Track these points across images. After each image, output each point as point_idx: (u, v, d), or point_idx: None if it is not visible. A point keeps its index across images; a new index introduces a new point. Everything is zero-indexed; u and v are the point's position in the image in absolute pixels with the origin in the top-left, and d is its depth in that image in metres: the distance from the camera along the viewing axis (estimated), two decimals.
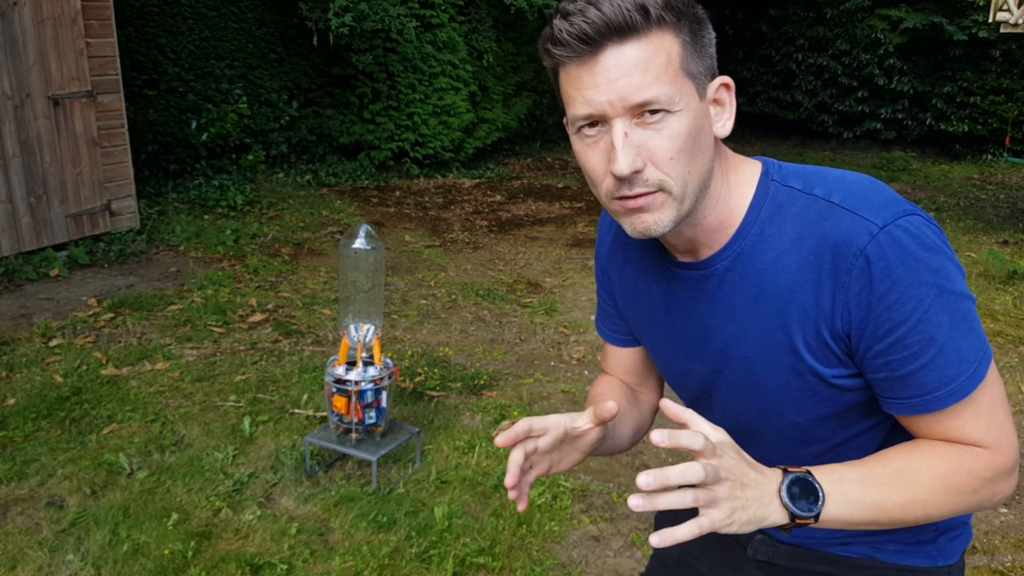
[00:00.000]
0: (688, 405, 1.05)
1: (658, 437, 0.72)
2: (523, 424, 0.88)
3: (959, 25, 10.34)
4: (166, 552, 2.42)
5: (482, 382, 3.71)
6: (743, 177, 0.92)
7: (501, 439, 0.87)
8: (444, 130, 8.58)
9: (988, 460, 0.86)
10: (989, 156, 11.10)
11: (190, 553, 2.42)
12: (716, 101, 0.88)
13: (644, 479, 0.70)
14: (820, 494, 0.81)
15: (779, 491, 0.80)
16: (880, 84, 11.34)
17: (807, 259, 0.87)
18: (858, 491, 0.83)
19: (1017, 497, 2.94)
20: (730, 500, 0.76)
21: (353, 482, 2.86)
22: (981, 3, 9.45)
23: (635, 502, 0.72)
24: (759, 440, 1.01)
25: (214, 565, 2.38)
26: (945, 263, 0.83)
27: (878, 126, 11.63)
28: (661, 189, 0.84)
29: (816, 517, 0.80)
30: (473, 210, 7.49)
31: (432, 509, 2.69)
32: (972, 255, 6.25)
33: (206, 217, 6.24)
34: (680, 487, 0.74)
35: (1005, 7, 6.96)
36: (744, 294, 0.92)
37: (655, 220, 0.85)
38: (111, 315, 4.30)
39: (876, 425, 0.95)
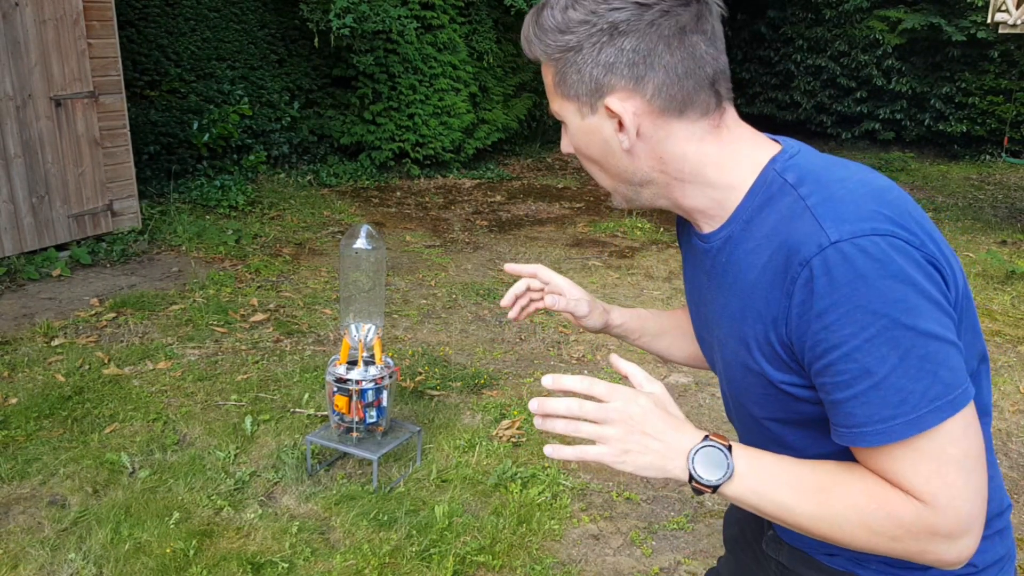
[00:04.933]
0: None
1: (546, 380, 0.87)
2: (531, 269, 1.22)
3: (957, 26, 10.36)
4: (168, 551, 2.43)
5: (482, 381, 3.73)
6: (748, 162, 0.91)
7: (510, 267, 1.21)
8: (444, 131, 8.60)
9: (917, 514, 0.80)
10: (987, 156, 11.12)
11: (192, 552, 2.43)
12: (616, 117, 0.89)
13: (532, 404, 0.87)
14: (727, 469, 0.84)
15: (690, 452, 0.85)
16: (879, 85, 11.36)
17: (771, 257, 0.85)
18: (770, 485, 0.85)
19: (1016, 496, 2.96)
20: (621, 441, 0.85)
21: (354, 481, 2.88)
22: (979, 4, 9.47)
23: (537, 421, 0.88)
24: (738, 423, 1.04)
25: (215, 564, 2.40)
26: (909, 295, 0.76)
27: (877, 127, 11.65)
28: None
29: (714, 489, 0.85)
30: (473, 210, 7.50)
31: (433, 508, 2.70)
32: (970, 255, 6.26)
33: (208, 217, 6.26)
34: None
35: (1003, 8, 6.98)
36: (727, 277, 0.94)
37: (614, 201, 1.00)
38: (113, 315, 4.32)
39: None
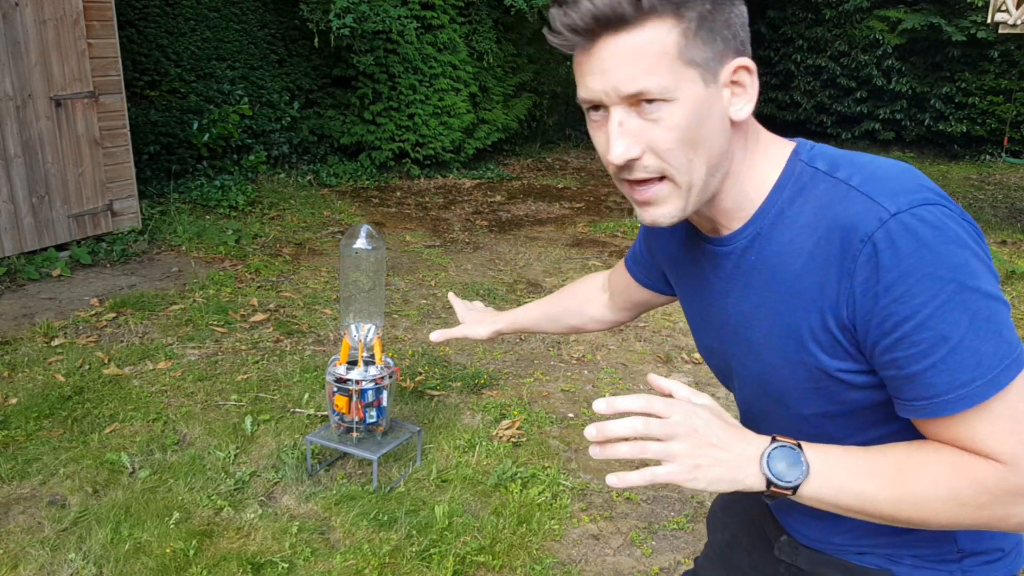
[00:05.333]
0: (719, 381, 1.08)
1: (598, 405, 0.80)
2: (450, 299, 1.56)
3: (957, 26, 10.37)
4: (168, 551, 2.43)
5: (482, 381, 3.73)
6: (772, 157, 0.90)
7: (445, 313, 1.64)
8: (444, 131, 8.60)
9: (1001, 476, 0.79)
10: (987, 156, 11.13)
11: (191, 552, 2.43)
12: (735, 83, 0.84)
13: (589, 431, 0.79)
14: (804, 468, 0.81)
15: (761, 456, 0.82)
16: (879, 85, 11.37)
17: (818, 243, 0.83)
18: (846, 477, 0.82)
19: None
20: (690, 457, 0.80)
21: (354, 481, 2.88)
22: (979, 4, 9.48)
23: (594, 450, 0.81)
24: (772, 427, 1.00)
25: (215, 564, 2.40)
26: (970, 259, 0.77)
27: (876, 127, 11.65)
28: (664, 176, 0.84)
29: (794, 490, 0.81)
30: (473, 210, 7.50)
31: (433, 508, 2.70)
32: None
33: (208, 217, 6.26)
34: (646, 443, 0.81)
35: (1003, 8, 6.98)
36: (759, 275, 0.91)
37: (662, 213, 0.86)
38: (113, 315, 4.32)
39: (899, 431, 0.89)
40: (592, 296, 1.38)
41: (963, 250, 0.77)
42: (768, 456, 0.82)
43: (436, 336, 1.44)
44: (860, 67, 11.46)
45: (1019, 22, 6.91)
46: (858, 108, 11.67)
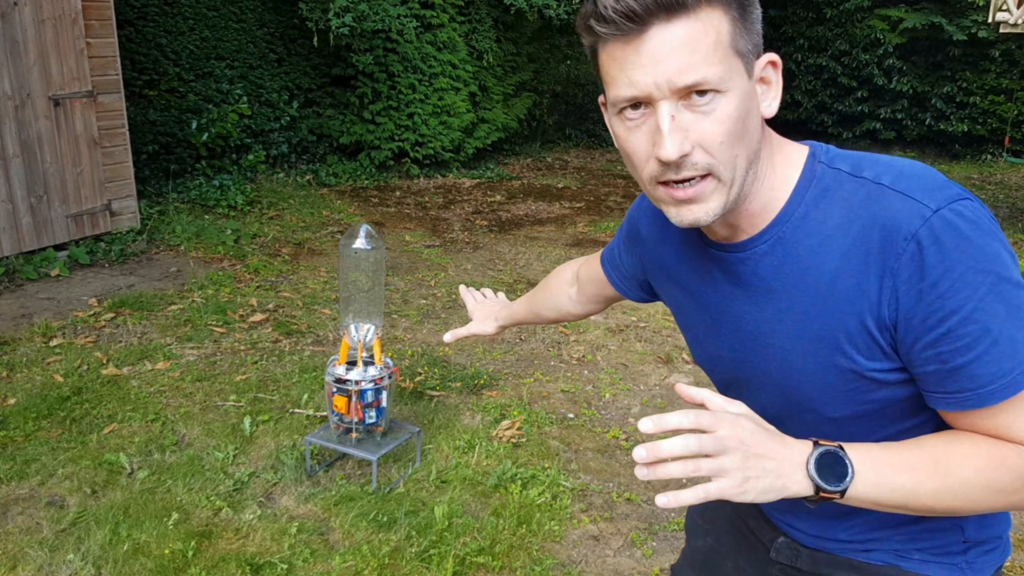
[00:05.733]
0: (719, 391, 1.05)
1: (644, 425, 0.76)
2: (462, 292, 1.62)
3: (958, 25, 10.35)
4: (166, 552, 2.42)
5: (482, 382, 3.72)
6: (789, 159, 0.89)
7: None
8: (444, 130, 8.59)
9: None
10: (988, 156, 11.12)
11: (190, 553, 2.42)
12: (762, 80, 0.84)
13: (638, 452, 0.76)
14: (849, 470, 0.80)
15: (806, 463, 0.80)
16: (880, 84, 11.36)
17: (853, 244, 0.82)
18: (889, 473, 0.81)
19: None
20: (741, 470, 0.77)
21: (353, 481, 2.87)
22: (980, 3, 9.47)
23: (641, 472, 0.76)
24: (792, 433, 0.99)
25: (214, 565, 2.39)
26: (1000, 250, 0.79)
27: (877, 126, 11.64)
28: (710, 174, 0.81)
29: (842, 493, 0.80)
30: (473, 210, 7.49)
31: (432, 508, 2.69)
32: None
33: (206, 217, 6.25)
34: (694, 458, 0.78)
35: (1004, 7, 6.97)
36: (783, 280, 0.89)
37: (705, 211, 0.82)
38: (111, 315, 4.31)
39: (916, 427, 0.90)
40: (561, 290, 1.41)
41: (995, 242, 0.79)
42: (813, 461, 0.80)
43: (448, 337, 1.49)
44: (861, 66, 11.45)
45: (1020, 21, 6.90)
46: (859, 107, 11.66)
